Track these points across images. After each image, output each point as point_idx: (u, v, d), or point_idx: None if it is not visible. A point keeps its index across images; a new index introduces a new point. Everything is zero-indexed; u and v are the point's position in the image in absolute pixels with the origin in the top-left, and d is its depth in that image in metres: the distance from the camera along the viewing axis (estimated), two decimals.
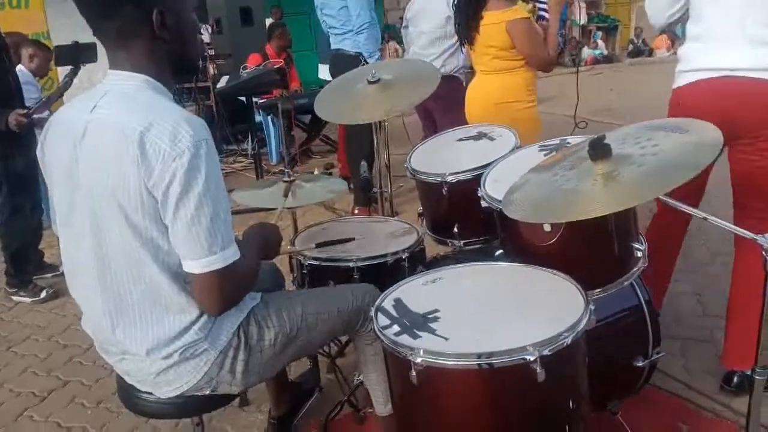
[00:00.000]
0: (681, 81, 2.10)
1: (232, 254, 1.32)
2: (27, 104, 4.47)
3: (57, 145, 1.38)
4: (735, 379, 2.20)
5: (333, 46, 4.44)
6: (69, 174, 1.35)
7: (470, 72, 4.27)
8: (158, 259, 1.32)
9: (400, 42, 4.61)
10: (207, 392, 1.48)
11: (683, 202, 1.44)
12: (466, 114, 3.07)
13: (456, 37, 3.86)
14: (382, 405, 1.83)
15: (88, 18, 1.33)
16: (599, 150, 1.33)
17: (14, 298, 3.64)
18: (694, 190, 2.14)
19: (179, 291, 1.36)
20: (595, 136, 1.36)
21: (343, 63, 4.12)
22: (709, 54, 1.98)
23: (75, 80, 4.68)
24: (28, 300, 3.60)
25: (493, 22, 2.73)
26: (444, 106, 3.72)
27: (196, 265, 1.29)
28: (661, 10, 2.13)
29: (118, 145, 1.24)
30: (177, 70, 1.43)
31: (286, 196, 2.17)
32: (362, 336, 1.75)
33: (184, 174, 1.22)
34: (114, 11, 1.30)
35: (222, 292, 1.33)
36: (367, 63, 4.04)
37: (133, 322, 1.38)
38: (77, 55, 3.91)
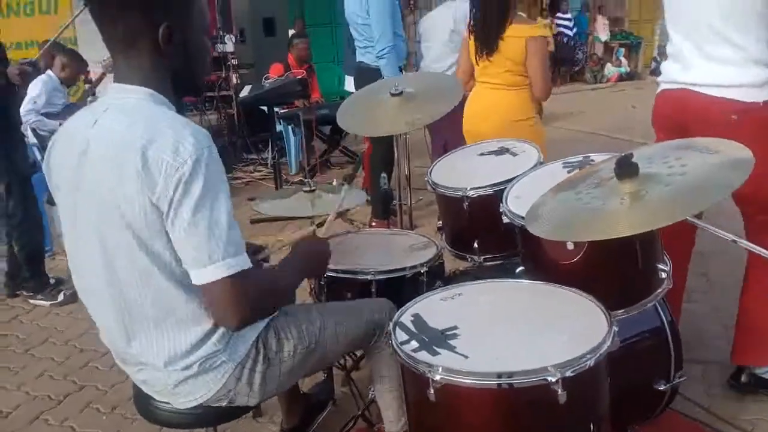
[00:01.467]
0: (657, 90, 2.33)
1: (238, 263, 1.25)
2: (52, 110, 4.63)
3: (61, 159, 1.37)
4: (743, 377, 2.22)
5: (357, 58, 4.47)
6: (74, 189, 1.34)
7: None
8: (166, 270, 1.30)
9: None
10: (224, 404, 1.46)
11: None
12: (469, 130, 3.01)
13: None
14: (393, 423, 1.80)
15: (98, 22, 1.31)
16: (626, 168, 1.31)
17: (32, 302, 3.67)
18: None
19: (191, 301, 1.34)
20: (623, 154, 1.34)
21: (366, 76, 4.13)
22: (675, 70, 2.18)
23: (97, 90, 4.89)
24: (46, 304, 3.62)
25: (514, 35, 2.73)
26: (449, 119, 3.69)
27: (200, 275, 1.25)
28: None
29: (121, 161, 1.23)
30: (178, 88, 1.41)
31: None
32: (377, 352, 1.73)
33: (183, 183, 1.21)
34: (120, 16, 1.28)
35: (234, 303, 1.26)
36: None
37: (148, 335, 1.37)
38: None
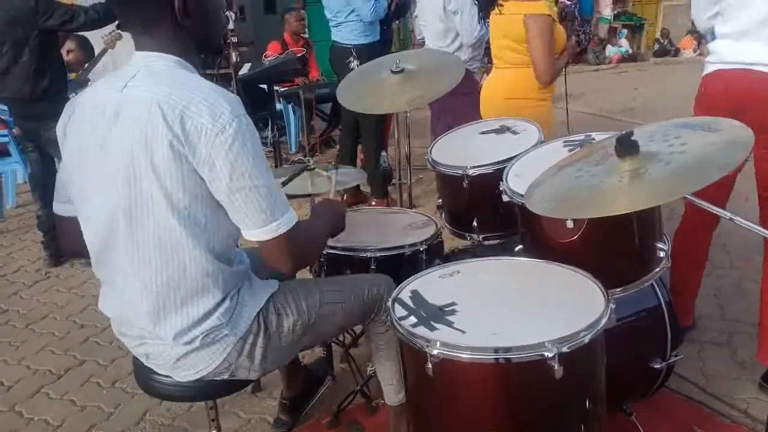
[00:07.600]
0: (707, 70, 2.28)
1: (290, 219, 1.37)
2: None
3: (85, 128, 1.37)
4: None
5: (332, 37, 4.45)
6: (99, 157, 1.34)
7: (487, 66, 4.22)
8: (195, 237, 1.33)
9: None
10: (225, 377, 1.48)
11: (709, 202, 1.41)
12: (481, 110, 2.96)
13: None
14: (393, 394, 1.83)
15: (117, 10, 1.35)
16: (627, 146, 1.31)
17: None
18: (720, 191, 2.13)
19: (208, 272, 1.37)
20: (623, 133, 1.33)
21: (339, 56, 4.10)
22: (733, 49, 2.16)
23: (100, 65, 4.86)
24: None
25: (513, 13, 2.63)
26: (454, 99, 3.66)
27: (264, 232, 1.33)
28: (701, 12, 2.28)
29: (157, 123, 1.25)
30: (202, 52, 1.46)
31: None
32: (376, 326, 1.76)
33: (230, 149, 1.25)
34: (136, 1, 1.32)
35: (294, 251, 1.39)
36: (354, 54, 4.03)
37: (164, 306, 1.38)
38: None
